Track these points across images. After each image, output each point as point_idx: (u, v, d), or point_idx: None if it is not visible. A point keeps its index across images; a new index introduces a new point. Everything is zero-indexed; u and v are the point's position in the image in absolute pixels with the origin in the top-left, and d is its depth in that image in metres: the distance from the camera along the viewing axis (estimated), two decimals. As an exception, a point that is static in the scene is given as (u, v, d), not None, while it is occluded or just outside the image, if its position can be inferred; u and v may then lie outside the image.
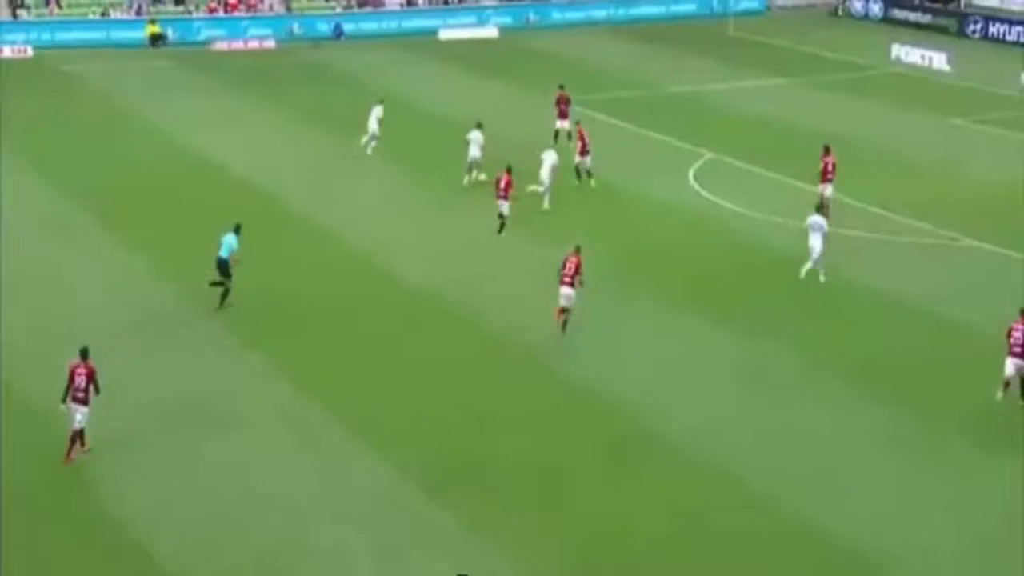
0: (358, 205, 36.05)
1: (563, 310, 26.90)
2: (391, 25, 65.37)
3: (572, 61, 56.88)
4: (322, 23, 63.98)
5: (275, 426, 23.04)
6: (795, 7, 71.25)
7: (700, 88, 50.91)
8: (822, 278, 29.87)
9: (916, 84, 51.45)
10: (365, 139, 40.22)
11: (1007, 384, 23.78)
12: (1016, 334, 23.75)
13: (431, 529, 19.94)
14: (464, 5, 67.51)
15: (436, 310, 28.33)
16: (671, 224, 34.64)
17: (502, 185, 32.99)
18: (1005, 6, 65.02)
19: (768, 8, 71.04)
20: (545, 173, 34.64)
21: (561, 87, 41.73)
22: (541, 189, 34.80)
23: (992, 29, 60.68)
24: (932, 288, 29.71)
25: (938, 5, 66.23)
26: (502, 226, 33.05)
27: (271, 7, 65.17)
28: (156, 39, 60.35)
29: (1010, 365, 23.76)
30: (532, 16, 67.65)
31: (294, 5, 65.66)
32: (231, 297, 28.14)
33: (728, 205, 35.96)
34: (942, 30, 62.32)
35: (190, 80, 52.94)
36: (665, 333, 27.37)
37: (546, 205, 34.65)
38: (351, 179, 38.65)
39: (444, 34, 64.36)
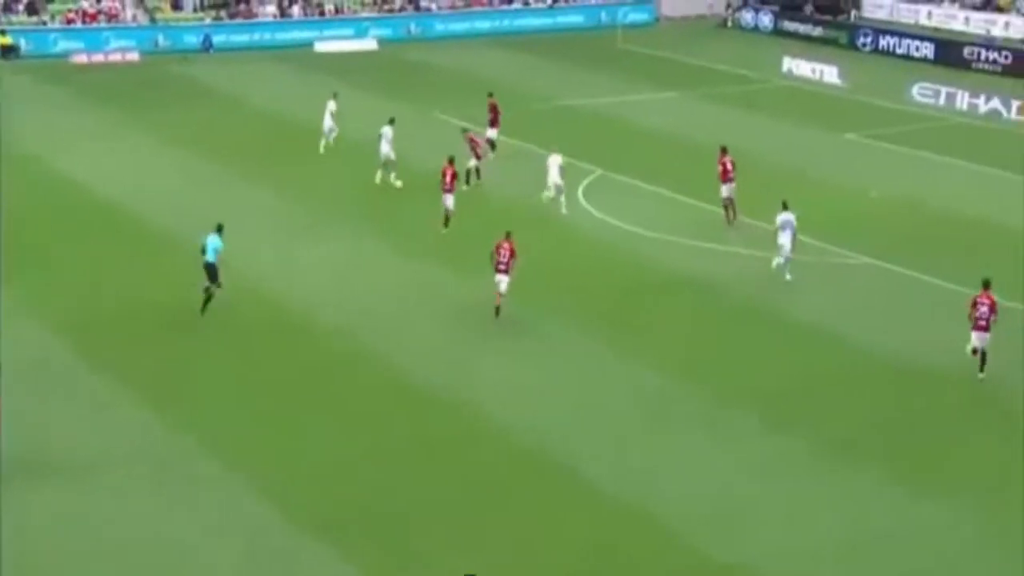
0: (235, 228, 34.64)
1: (501, 299, 27.72)
2: (264, 37, 63.90)
3: (457, 74, 56.06)
4: (190, 35, 62.26)
5: (143, 468, 21.59)
6: (684, 19, 71.41)
7: (589, 101, 50.40)
8: (788, 276, 30.35)
9: (808, 97, 51.59)
10: (323, 141, 41.48)
11: (975, 352, 25.06)
12: (982, 308, 24.83)
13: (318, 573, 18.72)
14: (341, 16, 66.27)
15: (322, 338, 27.27)
16: (559, 244, 33.91)
17: (447, 178, 33.57)
18: (895, 19, 65.86)
19: (657, 20, 71.10)
20: (555, 176, 35.63)
21: (490, 95, 42.11)
22: (551, 194, 35.79)
23: (882, 42, 61.37)
24: (828, 308, 29.40)
25: (828, 18, 66.86)
26: (447, 220, 33.56)
27: (134, 18, 63.15)
28: (7, 51, 57.94)
29: (975, 338, 25.08)
30: (413, 28, 66.72)
31: (158, 16, 63.72)
32: (213, 303, 27.62)
33: (618, 223, 35.32)
34: (833, 43, 62.86)
35: (47, 95, 50.94)
36: (562, 359, 26.64)
37: (563, 210, 35.50)
38: (223, 200, 37.22)
39: (320, 46, 63.11)
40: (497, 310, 27.76)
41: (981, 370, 25.26)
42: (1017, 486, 21.55)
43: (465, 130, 39.41)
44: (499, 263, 27.67)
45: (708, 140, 41.66)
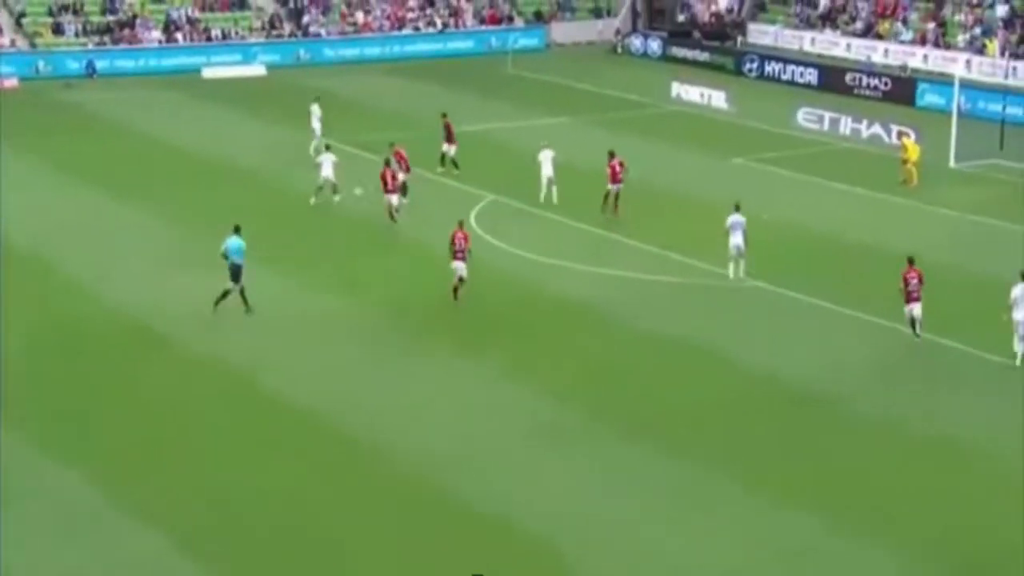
0: (125, 262, 34.38)
1: (461, 280, 30.53)
2: (149, 62, 63.38)
3: (347, 100, 56.20)
4: (72, 60, 61.47)
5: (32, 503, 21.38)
6: (575, 44, 72.43)
7: (481, 127, 50.89)
8: (742, 275, 32.53)
9: (697, 122, 52.67)
10: (314, 143, 44.13)
11: (912, 322, 28.70)
12: (912, 282, 28.61)
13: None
14: (229, 42, 66.00)
15: (213, 372, 27.12)
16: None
17: (388, 179, 36.53)
18: (780, 45, 67.58)
19: (548, 46, 72.01)
20: (548, 170, 38.96)
21: (444, 115, 44.12)
22: (545, 190, 39.17)
23: (768, 68, 62.91)
24: (719, 331, 30.05)
25: (716, 43, 68.35)
26: (392, 214, 36.61)
27: (12, 43, 62.16)
28: None
29: (910, 309, 28.82)
30: (302, 53, 66.70)
31: (39, 41, 62.82)
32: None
33: (510, 249, 35.76)
34: (720, 68, 64.26)
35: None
36: (450, 385, 26.85)
37: (555, 200, 38.91)
38: (103, 224, 36.91)
39: (208, 72, 62.78)
40: (455, 292, 30.61)
41: (917, 335, 28.72)
42: (909, 505, 22.12)
43: (392, 144, 40.03)
44: (457, 251, 30.52)
45: (599, 165, 42.34)
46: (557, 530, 21.14)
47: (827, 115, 51.86)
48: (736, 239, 32.67)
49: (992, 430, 24.84)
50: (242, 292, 29.87)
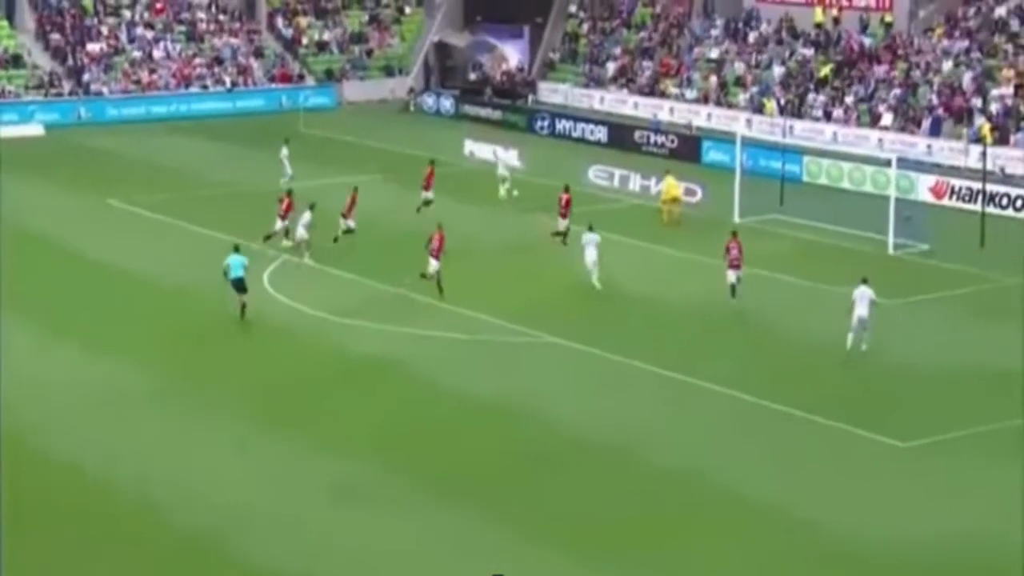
0: None
1: (437, 276, 36.02)
2: (-91, 121, 61.23)
3: (131, 160, 55.50)
4: None
5: None
6: (367, 102, 73.05)
7: (274, 186, 50.86)
8: (595, 281, 37.29)
9: (490, 179, 53.71)
10: (283, 180, 48.26)
11: (732, 290, 35.63)
12: (733, 252, 36.04)
13: None
14: (2, 100, 64.34)
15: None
16: (244, 332, 34.19)
17: (283, 206, 40.84)
18: (570, 104, 69.63)
19: (339, 104, 72.46)
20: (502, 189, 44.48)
21: (432, 162, 47.83)
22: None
23: (559, 126, 64.71)
24: (515, 386, 30.81)
25: (507, 102, 69.98)
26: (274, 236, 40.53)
27: None
28: None
29: (730, 275, 35.97)
30: (83, 112, 65.49)
31: None
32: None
33: (304, 308, 35.93)
34: (512, 126, 65.78)
35: None
36: (245, 452, 26.79)
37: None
38: None
39: (-18, 132, 60.98)
40: (422, 276, 36.21)
41: (733, 296, 35.73)
42: (706, 556, 22.91)
43: (355, 188, 42.43)
44: (433, 250, 36.02)
45: (392, 223, 42.94)
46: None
47: (617, 172, 53.66)
48: (589, 254, 37.58)
49: (781, 481, 25.91)
50: (243, 305, 34.06)
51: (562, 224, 42.71)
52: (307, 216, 40.34)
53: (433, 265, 36.21)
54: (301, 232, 40.41)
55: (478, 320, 35.30)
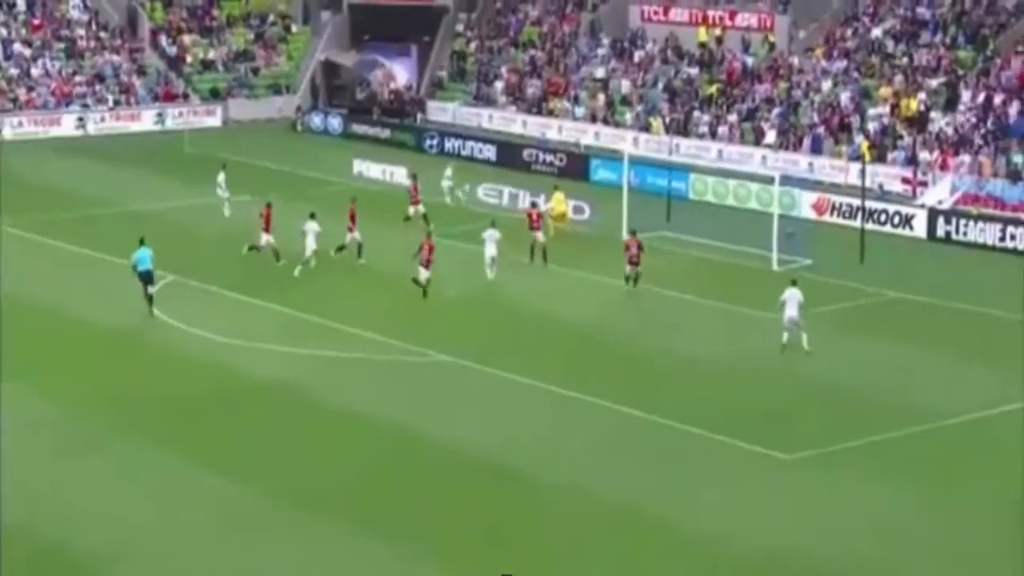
0: None
1: (426, 283, 38.34)
2: None
3: (11, 178, 54.60)
4: None
5: None
6: (253, 121, 72.76)
7: (157, 206, 50.62)
8: (490, 275, 40.26)
9: (381, 197, 53.87)
10: (226, 205, 48.32)
11: (627, 279, 40.12)
12: (632, 249, 39.89)
13: None
14: None
15: None
16: (131, 357, 34.01)
17: (265, 220, 41.43)
18: (458, 122, 70.13)
19: (225, 123, 72.04)
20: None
21: (414, 176, 49.91)
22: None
23: (448, 144, 65.14)
24: (409, 406, 31.09)
25: (396, 121, 70.26)
26: (277, 256, 41.44)
27: None
28: None
29: (628, 268, 40.03)
30: (-40, 131, 64.28)
31: None
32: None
33: (194, 331, 35.80)
34: (401, 145, 66.08)
35: None
36: (136, 477, 26.81)
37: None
38: None
39: None
40: (424, 292, 38.37)
41: (627, 284, 40.21)
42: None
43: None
44: (423, 258, 38.10)
45: (283, 242, 42.82)
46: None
47: (506, 190, 54.22)
48: (489, 248, 40.36)
49: (679, 496, 26.45)
50: (150, 297, 35.35)
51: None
52: (315, 226, 41.00)
53: (423, 274, 38.36)
54: (311, 243, 40.91)
55: (372, 340, 35.51)
